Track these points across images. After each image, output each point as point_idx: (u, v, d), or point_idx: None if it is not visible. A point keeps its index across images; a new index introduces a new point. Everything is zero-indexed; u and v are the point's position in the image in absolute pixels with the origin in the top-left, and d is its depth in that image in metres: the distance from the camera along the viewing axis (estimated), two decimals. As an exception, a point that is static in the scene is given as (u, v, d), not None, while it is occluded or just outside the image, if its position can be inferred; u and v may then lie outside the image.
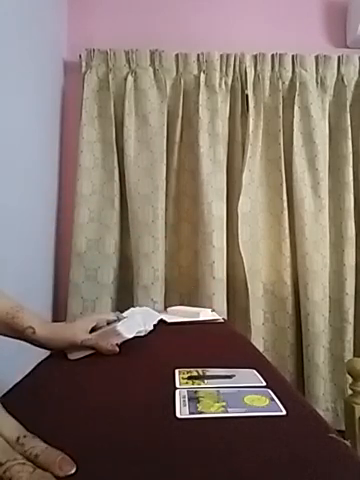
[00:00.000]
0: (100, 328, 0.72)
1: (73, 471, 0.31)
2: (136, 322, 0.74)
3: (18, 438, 0.33)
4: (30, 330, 0.64)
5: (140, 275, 1.52)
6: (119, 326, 0.69)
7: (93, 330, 0.70)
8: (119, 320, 0.72)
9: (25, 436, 0.34)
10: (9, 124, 1.18)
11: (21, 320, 0.64)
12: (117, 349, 0.67)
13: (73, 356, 0.66)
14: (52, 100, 1.62)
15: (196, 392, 0.49)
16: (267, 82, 1.68)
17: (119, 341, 0.68)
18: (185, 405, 0.45)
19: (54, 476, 0.31)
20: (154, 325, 0.87)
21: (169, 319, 1.02)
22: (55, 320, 1.57)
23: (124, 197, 1.62)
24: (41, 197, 1.47)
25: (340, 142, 1.66)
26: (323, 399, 1.52)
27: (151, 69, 1.65)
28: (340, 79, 1.68)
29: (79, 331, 0.67)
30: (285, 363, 1.58)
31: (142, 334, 0.79)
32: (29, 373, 0.59)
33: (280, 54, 1.67)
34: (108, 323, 0.73)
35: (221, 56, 1.65)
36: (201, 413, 0.43)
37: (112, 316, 0.75)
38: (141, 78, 1.63)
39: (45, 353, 0.68)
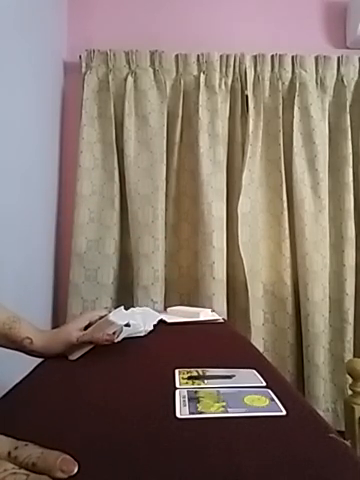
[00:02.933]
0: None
1: (76, 470, 0.31)
2: (127, 313, 0.75)
3: (9, 453, 0.32)
4: (28, 341, 0.64)
5: (140, 275, 1.52)
6: (111, 316, 0.69)
7: (88, 328, 0.71)
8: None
9: (16, 447, 0.32)
10: (9, 125, 1.19)
11: (18, 331, 0.64)
12: (114, 338, 0.66)
13: (73, 356, 0.66)
14: (52, 101, 1.62)
15: (196, 392, 0.49)
16: (267, 83, 1.68)
17: (114, 330, 0.68)
18: (185, 405, 0.45)
19: (55, 478, 0.30)
20: (154, 325, 0.87)
21: (169, 319, 1.02)
22: (55, 320, 1.57)
23: (124, 197, 1.61)
24: (41, 197, 1.47)
25: (340, 143, 1.66)
26: (323, 399, 1.52)
27: (151, 70, 1.65)
28: (340, 80, 1.68)
29: (73, 330, 0.68)
30: (285, 363, 1.58)
31: (142, 334, 0.79)
32: (29, 374, 0.59)
33: (280, 55, 1.67)
34: (100, 318, 0.74)
35: (221, 57, 1.65)
36: (201, 413, 0.43)
37: (104, 311, 0.76)
38: (141, 79, 1.63)
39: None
